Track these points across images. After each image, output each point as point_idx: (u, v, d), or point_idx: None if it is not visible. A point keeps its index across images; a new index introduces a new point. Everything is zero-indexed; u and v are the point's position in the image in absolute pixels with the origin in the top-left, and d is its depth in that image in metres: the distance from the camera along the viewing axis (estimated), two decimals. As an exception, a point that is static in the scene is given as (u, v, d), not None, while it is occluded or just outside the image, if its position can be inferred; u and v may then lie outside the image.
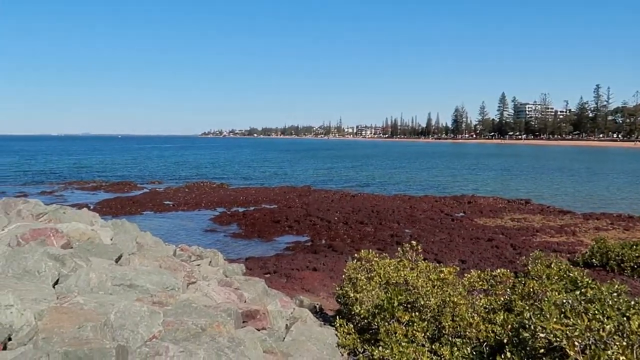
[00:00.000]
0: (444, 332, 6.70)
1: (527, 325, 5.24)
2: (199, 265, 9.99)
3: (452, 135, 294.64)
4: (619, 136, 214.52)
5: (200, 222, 27.90)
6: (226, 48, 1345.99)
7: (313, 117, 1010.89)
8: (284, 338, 6.63)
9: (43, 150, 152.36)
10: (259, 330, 6.15)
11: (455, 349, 6.24)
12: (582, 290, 6.46)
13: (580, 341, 4.61)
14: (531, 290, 7.35)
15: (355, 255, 9.30)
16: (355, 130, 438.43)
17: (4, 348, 4.01)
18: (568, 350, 4.55)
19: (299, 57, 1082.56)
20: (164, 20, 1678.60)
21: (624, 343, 4.46)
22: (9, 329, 4.24)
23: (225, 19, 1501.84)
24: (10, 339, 4.20)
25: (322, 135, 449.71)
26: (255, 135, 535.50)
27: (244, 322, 6.18)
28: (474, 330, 6.52)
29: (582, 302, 5.50)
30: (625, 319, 4.82)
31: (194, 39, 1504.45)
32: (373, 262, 8.83)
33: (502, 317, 6.49)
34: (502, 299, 7.58)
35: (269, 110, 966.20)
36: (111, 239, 9.23)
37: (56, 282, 5.98)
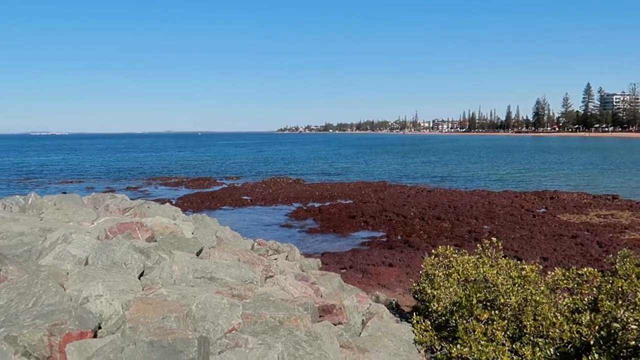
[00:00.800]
0: (525, 331, 6.48)
1: (618, 319, 5.02)
2: (276, 259, 10.16)
3: (533, 129, 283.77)
4: None
5: (277, 217, 28.37)
6: (300, 47, 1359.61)
7: (388, 112, 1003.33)
8: (360, 333, 6.62)
9: (128, 147, 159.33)
10: (335, 325, 6.16)
11: (537, 349, 6.02)
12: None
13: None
14: (620, 289, 6.98)
15: (433, 251, 9.16)
16: (431, 125, 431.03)
17: (95, 336, 4.22)
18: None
19: (374, 54, 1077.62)
20: (240, 23, 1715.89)
21: None
22: (99, 317, 4.46)
23: (298, 19, 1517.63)
24: (100, 327, 4.41)
25: (398, 130, 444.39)
26: (331, 130, 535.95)
27: (320, 316, 6.22)
28: (557, 331, 6.27)
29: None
30: None
31: (269, 40, 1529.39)
32: (451, 259, 8.66)
33: (588, 317, 6.20)
34: (587, 298, 7.24)
35: (344, 105, 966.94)
36: (192, 233, 9.53)
37: (141, 274, 6.24)
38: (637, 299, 5.14)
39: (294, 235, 22.96)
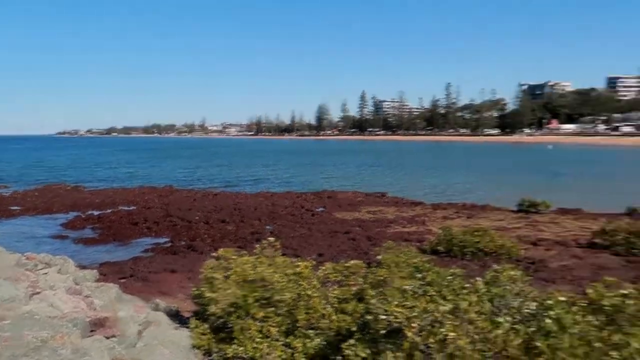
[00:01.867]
0: (298, 325, 6.88)
1: (372, 310, 5.55)
2: (46, 273, 9.42)
3: (315, 132, 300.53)
4: (467, 130, 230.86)
5: (51, 228, 26.15)
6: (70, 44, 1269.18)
7: (175, 116, 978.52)
8: (136, 344, 6.48)
9: None
10: (108, 338, 5.95)
11: (308, 340, 6.45)
12: (423, 274, 6.91)
13: (418, 322, 4.97)
14: (381, 278, 7.75)
15: (214, 254, 9.25)
16: (220, 129, 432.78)
17: None
18: (406, 331, 4.89)
19: (174, 53, 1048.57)
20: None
21: (457, 322, 4.87)
22: None
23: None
24: None
25: (186, 134, 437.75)
26: (115, 134, 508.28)
27: (92, 330, 5.96)
28: (326, 321, 6.76)
29: (422, 285, 5.92)
30: (459, 299, 5.27)
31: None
32: (231, 260, 8.83)
33: (352, 306, 6.80)
34: (354, 289, 7.91)
35: (130, 108, 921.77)
36: None
37: None
38: (386, 290, 5.74)
39: (70, 247, 21.39)
